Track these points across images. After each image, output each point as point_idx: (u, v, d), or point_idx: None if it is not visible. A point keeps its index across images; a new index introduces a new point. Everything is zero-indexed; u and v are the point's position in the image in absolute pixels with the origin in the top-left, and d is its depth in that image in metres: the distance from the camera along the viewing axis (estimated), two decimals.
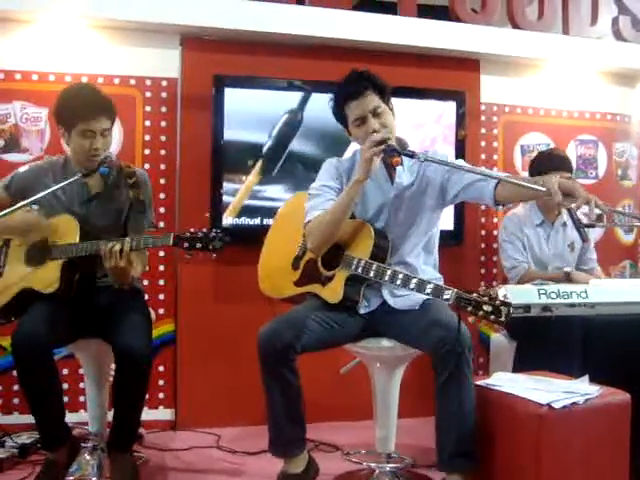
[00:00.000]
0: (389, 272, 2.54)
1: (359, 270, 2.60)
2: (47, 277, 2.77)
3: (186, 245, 2.62)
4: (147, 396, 3.03)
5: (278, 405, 2.60)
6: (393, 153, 2.50)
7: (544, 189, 2.31)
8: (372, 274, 2.57)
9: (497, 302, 2.22)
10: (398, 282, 2.51)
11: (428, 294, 2.44)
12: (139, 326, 2.81)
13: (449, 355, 2.41)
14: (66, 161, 2.96)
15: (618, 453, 2.47)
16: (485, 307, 2.23)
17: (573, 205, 2.33)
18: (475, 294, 2.27)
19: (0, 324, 2.96)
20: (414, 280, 2.48)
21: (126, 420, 2.83)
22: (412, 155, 2.50)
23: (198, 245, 2.62)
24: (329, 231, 2.64)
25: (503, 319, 2.21)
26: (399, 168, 2.73)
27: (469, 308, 2.26)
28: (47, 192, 2.72)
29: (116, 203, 2.94)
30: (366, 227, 2.69)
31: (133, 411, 2.83)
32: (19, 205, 2.71)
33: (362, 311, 2.72)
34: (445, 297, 2.37)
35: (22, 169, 3.00)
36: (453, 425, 2.46)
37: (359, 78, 2.69)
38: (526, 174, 4.19)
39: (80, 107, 2.78)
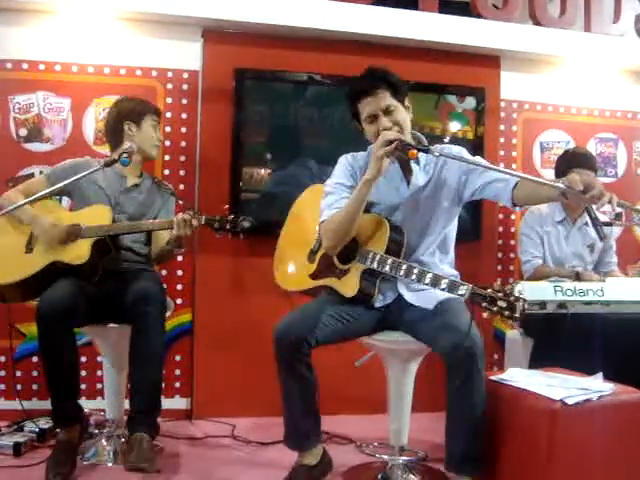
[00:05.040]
0: (404, 267, 2.54)
1: (374, 264, 2.61)
2: (77, 251, 2.91)
3: (217, 225, 2.84)
4: (163, 385, 3.08)
5: (294, 399, 2.61)
6: (408, 147, 2.49)
7: (563, 186, 2.29)
8: (387, 268, 2.58)
9: (511, 298, 2.20)
10: (413, 277, 2.51)
11: (443, 289, 2.43)
12: (152, 281, 3.03)
13: (461, 362, 2.41)
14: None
15: (633, 451, 2.47)
16: (500, 303, 2.21)
17: (587, 196, 2.29)
18: (490, 290, 2.25)
19: (23, 299, 3.04)
20: (429, 275, 2.47)
21: (145, 383, 2.85)
22: (426, 150, 2.48)
23: (228, 226, 2.82)
24: (343, 230, 2.65)
25: (517, 315, 2.19)
26: (415, 168, 2.73)
27: (484, 304, 2.25)
28: (73, 179, 2.83)
29: (148, 199, 3.21)
30: (382, 221, 2.70)
31: (151, 370, 2.86)
32: (48, 191, 2.87)
33: (377, 305, 2.73)
34: (460, 292, 2.36)
35: (62, 163, 3.18)
36: (463, 430, 2.46)
37: (372, 75, 2.69)
38: (545, 172, 4.21)
39: (143, 104, 3.23)
